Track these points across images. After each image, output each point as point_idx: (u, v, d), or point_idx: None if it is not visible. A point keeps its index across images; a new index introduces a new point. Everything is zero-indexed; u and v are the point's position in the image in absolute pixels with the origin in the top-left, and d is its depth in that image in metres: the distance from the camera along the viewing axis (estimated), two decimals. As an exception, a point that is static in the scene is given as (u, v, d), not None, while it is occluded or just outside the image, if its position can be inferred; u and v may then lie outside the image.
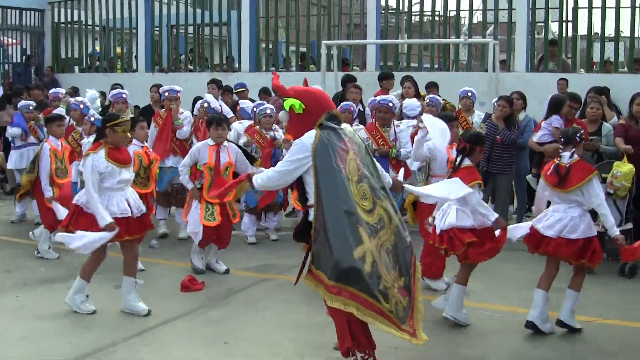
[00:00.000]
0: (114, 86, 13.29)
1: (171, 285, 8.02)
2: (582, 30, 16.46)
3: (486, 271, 8.44)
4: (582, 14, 16.00)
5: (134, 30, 20.37)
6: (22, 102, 11.91)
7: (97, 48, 21.85)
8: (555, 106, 9.65)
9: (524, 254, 7.49)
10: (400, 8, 18.04)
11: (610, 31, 16.40)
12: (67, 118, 10.32)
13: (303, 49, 18.91)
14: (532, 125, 10.55)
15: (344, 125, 5.53)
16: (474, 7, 17.25)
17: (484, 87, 15.22)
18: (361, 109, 11.51)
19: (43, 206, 9.13)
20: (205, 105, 10.45)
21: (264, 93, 13.02)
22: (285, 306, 7.43)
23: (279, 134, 9.93)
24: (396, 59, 17.59)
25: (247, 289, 8.03)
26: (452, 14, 17.71)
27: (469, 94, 11.04)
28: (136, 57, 20.50)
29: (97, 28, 21.32)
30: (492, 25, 17.64)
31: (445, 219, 6.72)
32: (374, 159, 5.67)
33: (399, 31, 18.37)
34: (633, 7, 15.59)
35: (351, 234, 5.04)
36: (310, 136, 5.29)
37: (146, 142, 8.92)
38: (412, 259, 5.48)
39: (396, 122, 9.62)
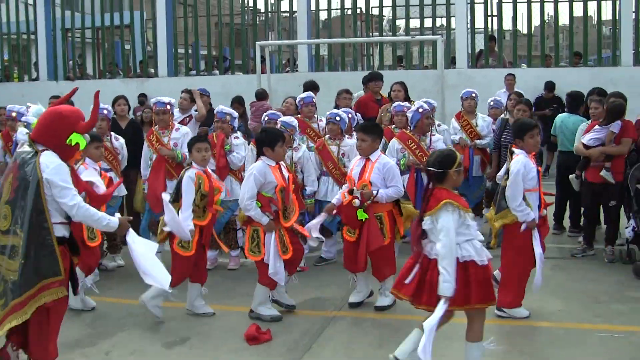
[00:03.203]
0: (52, 99, 11.73)
1: (234, 336, 6.84)
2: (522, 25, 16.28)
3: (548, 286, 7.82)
4: (522, 8, 15.84)
5: (32, 36, 18.51)
6: None
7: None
8: (618, 113, 8.94)
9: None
10: (332, 6, 17.23)
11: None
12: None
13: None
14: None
15: (24, 149, 5.29)
16: (411, 3, 16.66)
17: (425, 85, 14.81)
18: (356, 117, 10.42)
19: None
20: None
21: (237, 102, 11.81)
22: (381, 347, 6.45)
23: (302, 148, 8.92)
24: (330, 59, 16.76)
25: (325, 331, 6.91)
26: (387, 11, 17.10)
27: (473, 95, 10.30)
28: (35, 64, 18.64)
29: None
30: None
31: None
32: (40, 198, 5.15)
33: (330, 31, 17.50)
34: (571, 1, 15.51)
35: None
36: None
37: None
38: (11, 307, 5.18)
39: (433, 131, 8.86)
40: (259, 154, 7.16)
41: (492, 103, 10.79)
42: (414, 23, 18.04)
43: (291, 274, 7.42)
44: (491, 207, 7.36)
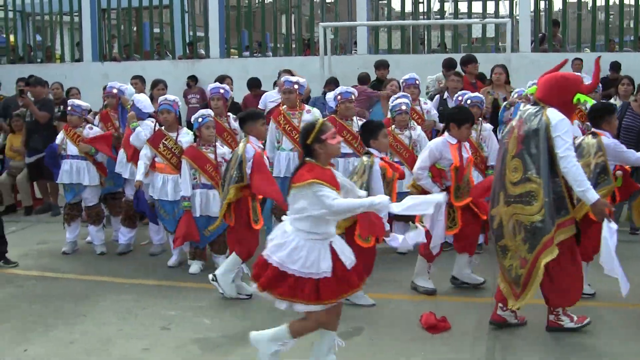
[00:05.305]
0: (134, 79, 11.28)
1: (409, 325, 6.53)
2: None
3: None
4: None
5: (64, 17, 17.94)
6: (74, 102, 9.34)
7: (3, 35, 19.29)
8: None
9: None
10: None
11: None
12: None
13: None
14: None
15: (528, 107, 6.08)
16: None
17: (487, 69, 14.47)
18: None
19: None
20: None
21: (333, 83, 11.38)
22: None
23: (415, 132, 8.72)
24: (389, 41, 16.35)
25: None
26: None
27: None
28: (78, 44, 18.08)
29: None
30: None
31: None
32: (549, 142, 5.79)
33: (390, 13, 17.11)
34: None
35: (496, 195, 6.13)
36: None
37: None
38: (542, 244, 5.78)
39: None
40: (445, 129, 7.27)
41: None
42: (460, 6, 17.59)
43: (471, 254, 7.41)
44: None
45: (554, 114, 5.82)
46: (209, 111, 8.15)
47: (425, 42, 17.29)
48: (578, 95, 5.93)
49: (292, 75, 9.84)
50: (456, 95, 9.07)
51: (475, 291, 7.51)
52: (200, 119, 7.97)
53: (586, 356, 5.88)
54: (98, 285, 8.00)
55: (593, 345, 6.05)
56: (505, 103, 9.34)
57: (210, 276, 7.25)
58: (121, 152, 9.05)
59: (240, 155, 7.00)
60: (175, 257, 8.56)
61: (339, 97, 8.60)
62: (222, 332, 6.46)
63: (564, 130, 5.75)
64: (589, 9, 16.34)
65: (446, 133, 7.18)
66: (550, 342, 6.12)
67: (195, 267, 8.24)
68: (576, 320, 6.25)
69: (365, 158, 6.78)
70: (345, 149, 8.57)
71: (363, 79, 11.76)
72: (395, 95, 8.81)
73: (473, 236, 7.33)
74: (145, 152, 8.47)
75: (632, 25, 16.40)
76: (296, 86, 8.54)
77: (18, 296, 7.64)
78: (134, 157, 8.78)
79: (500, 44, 16.37)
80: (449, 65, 12.03)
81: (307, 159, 5.07)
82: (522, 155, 5.87)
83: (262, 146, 7.24)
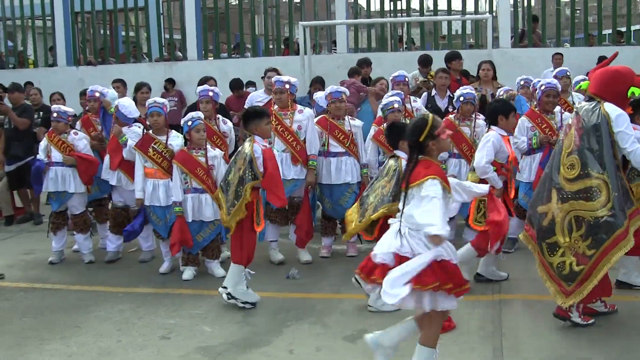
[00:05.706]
0: (116, 82, 11.06)
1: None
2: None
3: None
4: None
5: (37, 21, 17.63)
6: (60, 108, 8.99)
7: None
8: None
9: None
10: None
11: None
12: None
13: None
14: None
15: (583, 104, 6.09)
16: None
17: (468, 65, 14.41)
18: (451, 95, 10.01)
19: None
20: None
21: (319, 83, 11.20)
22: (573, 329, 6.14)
23: None
24: (368, 40, 16.28)
25: (504, 316, 6.61)
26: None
27: (568, 73, 10.05)
28: (51, 49, 17.77)
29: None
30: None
31: None
32: (612, 137, 5.82)
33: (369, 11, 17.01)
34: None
35: (544, 192, 6.08)
36: None
37: None
38: (614, 238, 5.72)
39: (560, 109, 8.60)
40: (492, 123, 7.28)
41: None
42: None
43: (499, 251, 7.29)
44: None
45: (611, 109, 5.87)
46: (199, 114, 8.00)
47: (404, 40, 17.26)
48: (632, 89, 5.94)
49: (279, 74, 9.68)
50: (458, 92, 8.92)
51: (478, 290, 7.41)
52: (190, 122, 7.83)
53: (594, 352, 5.80)
54: (90, 295, 7.78)
55: (600, 341, 5.99)
56: (504, 96, 9.26)
57: (225, 296, 7.04)
58: (107, 157, 8.85)
59: (249, 154, 6.79)
60: (167, 264, 8.39)
61: (329, 97, 8.46)
62: (223, 340, 6.30)
63: (626, 124, 5.81)
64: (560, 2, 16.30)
65: (495, 127, 7.18)
66: (558, 339, 6.05)
67: (188, 273, 8.08)
68: (583, 317, 6.20)
69: (392, 162, 6.61)
70: (338, 148, 8.47)
71: (354, 72, 11.54)
72: (388, 94, 8.72)
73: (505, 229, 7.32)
74: (138, 161, 8.30)
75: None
76: (287, 86, 8.36)
77: (7, 309, 7.40)
78: (120, 164, 8.59)
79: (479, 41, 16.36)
80: (424, 62, 11.99)
81: (420, 156, 4.93)
82: (581, 151, 5.86)
83: (267, 145, 7.09)
